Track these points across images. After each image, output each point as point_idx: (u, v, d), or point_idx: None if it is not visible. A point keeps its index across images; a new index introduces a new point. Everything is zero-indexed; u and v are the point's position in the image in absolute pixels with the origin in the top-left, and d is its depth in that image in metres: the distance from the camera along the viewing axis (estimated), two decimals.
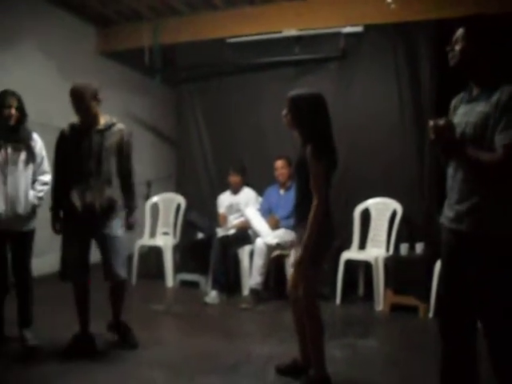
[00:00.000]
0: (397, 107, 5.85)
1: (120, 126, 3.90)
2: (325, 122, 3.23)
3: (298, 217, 3.24)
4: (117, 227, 3.85)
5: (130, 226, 4.00)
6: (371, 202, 5.66)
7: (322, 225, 3.12)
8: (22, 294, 4.01)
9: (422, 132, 5.58)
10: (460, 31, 2.56)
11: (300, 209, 3.22)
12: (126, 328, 4.06)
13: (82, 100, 3.71)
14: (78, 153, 3.77)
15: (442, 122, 2.39)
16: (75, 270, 3.87)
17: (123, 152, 3.87)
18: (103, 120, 3.85)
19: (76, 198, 3.75)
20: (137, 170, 4.06)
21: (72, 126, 3.85)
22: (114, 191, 3.83)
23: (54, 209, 3.92)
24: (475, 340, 2.63)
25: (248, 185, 6.20)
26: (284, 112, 3.26)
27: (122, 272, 3.86)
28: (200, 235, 6.35)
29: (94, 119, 3.80)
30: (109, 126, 3.83)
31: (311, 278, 3.21)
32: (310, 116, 3.18)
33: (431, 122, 2.42)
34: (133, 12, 6.66)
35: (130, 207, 3.97)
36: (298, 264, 3.15)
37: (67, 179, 3.81)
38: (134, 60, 7.17)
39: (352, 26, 5.85)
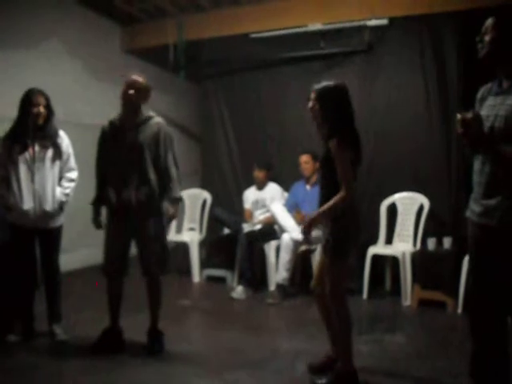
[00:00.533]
0: (423, 100, 5.78)
1: (157, 119, 3.87)
2: (349, 114, 3.21)
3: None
4: (155, 225, 3.81)
5: (169, 218, 3.88)
6: (398, 197, 5.61)
7: (349, 219, 3.12)
8: (51, 289, 4.07)
9: (448, 125, 5.51)
10: (489, 21, 2.51)
11: None
12: (157, 336, 3.95)
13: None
14: (114, 148, 3.80)
15: (469, 115, 2.36)
16: (112, 265, 3.88)
17: (160, 145, 3.81)
18: (141, 115, 3.85)
19: (112, 194, 3.77)
20: None
21: (110, 122, 3.86)
22: (152, 186, 3.77)
23: (96, 204, 3.94)
24: (506, 336, 2.59)
25: (274, 180, 6.19)
26: (310, 105, 3.24)
27: (156, 270, 3.85)
28: (226, 231, 6.37)
29: (135, 114, 3.82)
30: (145, 120, 3.82)
31: (337, 273, 3.19)
32: (336, 108, 3.16)
33: (459, 115, 2.38)
34: (157, 9, 6.68)
35: (170, 198, 3.83)
36: (310, 224, 3.17)
37: (106, 175, 3.85)
38: (158, 57, 7.20)
39: (377, 18, 5.79)
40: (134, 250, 3.93)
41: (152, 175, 3.78)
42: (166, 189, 3.83)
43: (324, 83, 3.23)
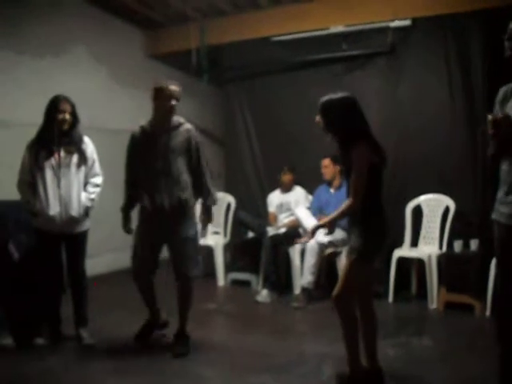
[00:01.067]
0: (448, 101, 5.71)
1: (187, 126, 3.92)
2: (359, 124, 3.18)
3: (355, 215, 3.19)
4: (188, 228, 3.87)
5: (203, 223, 4.00)
6: (423, 199, 5.55)
7: (377, 223, 3.13)
8: (77, 293, 4.11)
9: (474, 126, 5.45)
10: None
11: (353, 213, 3.19)
12: (184, 339, 3.97)
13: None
14: (145, 154, 3.83)
15: (500, 115, 2.35)
16: (144, 267, 3.94)
17: (192, 152, 3.86)
18: (172, 121, 3.88)
19: (146, 200, 3.81)
20: None
21: (141, 128, 3.90)
22: (185, 191, 3.82)
23: (125, 209, 4.00)
24: None
25: (297, 183, 6.17)
26: (317, 118, 3.24)
27: (189, 272, 3.88)
28: (250, 234, 6.37)
29: (168, 121, 3.85)
30: (175, 127, 3.86)
31: (354, 276, 3.16)
32: (339, 121, 3.16)
33: (490, 116, 2.38)
34: (179, 14, 6.72)
35: (204, 205, 3.94)
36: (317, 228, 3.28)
37: (137, 181, 3.89)
38: (181, 61, 7.24)
39: (400, 19, 5.74)
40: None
41: (185, 180, 3.83)
42: (199, 195, 3.89)
43: (328, 96, 3.22)
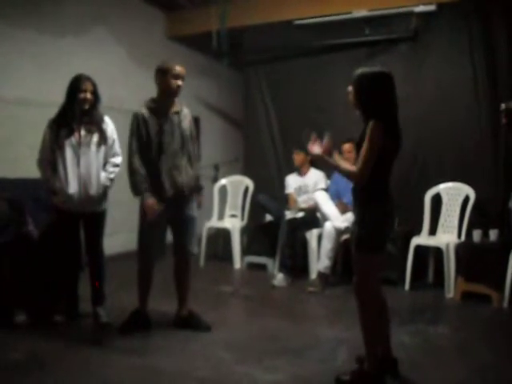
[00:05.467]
0: (471, 89, 5.65)
1: (186, 109, 4.00)
2: (387, 101, 3.04)
3: (357, 199, 3.11)
4: (195, 208, 3.99)
5: (199, 205, 4.10)
6: (443, 187, 5.50)
7: (373, 211, 3.00)
8: (95, 272, 4.14)
9: (497, 115, 5.35)
10: None
11: (357, 191, 3.09)
12: (195, 317, 4.07)
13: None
14: (160, 134, 3.81)
15: None
16: (155, 250, 3.98)
17: (193, 134, 4.00)
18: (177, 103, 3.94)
19: (166, 180, 3.81)
20: (205, 153, 4.09)
21: (149, 108, 3.85)
22: (195, 170, 3.98)
23: (145, 189, 3.82)
24: None
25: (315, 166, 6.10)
26: (349, 89, 3.13)
27: (195, 248, 4.07)
28: (268, 217, 6.35)
29: (174, 101, 3.90)
30: (181, 109, 3.93)
31: (367, 262, 3.07)
32: (372, 95, 3.02)
33: (503, 105, 2.34)
34: None
35: (199, 186, 4.06)
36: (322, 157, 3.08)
37: (151, 162, 3.83)
38: (201, 44, 7.23)
39: (424, 4, 5.66)
40: None
41: (194, 160, 3.97)
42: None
43: (365, 69, 3.10)
